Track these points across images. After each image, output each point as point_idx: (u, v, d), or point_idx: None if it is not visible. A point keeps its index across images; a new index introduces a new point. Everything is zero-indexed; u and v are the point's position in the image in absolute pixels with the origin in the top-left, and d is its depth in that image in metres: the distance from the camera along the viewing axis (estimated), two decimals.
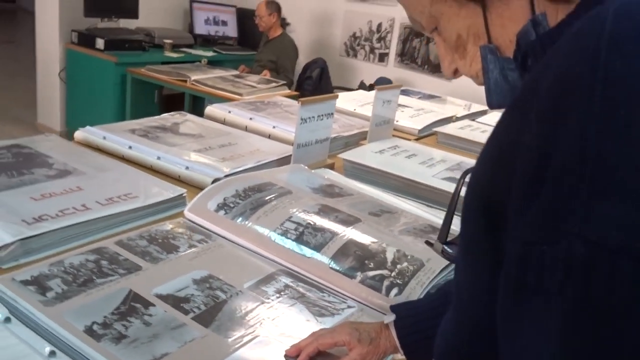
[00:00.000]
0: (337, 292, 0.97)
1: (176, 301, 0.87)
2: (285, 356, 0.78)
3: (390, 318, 0.78)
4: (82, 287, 0.87)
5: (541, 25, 0.49)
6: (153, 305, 0.85)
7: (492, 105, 0.58)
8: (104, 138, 1.61)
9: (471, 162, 1.77)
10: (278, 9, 4.24)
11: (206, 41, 4.82)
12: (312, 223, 1.11)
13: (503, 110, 0.49)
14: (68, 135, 3.70)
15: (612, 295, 0.35)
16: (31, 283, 0.86)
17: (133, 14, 4.19)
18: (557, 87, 0.40)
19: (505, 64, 0.54)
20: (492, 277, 0.44)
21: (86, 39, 3.89)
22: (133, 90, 3.85)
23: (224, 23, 4.95)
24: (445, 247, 0.67)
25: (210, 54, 4.46)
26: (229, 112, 2.07)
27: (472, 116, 2.73)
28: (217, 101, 3.55)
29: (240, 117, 2.04)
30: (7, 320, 0.78)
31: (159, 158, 1.51)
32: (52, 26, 3.99)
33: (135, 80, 3.79)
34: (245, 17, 5.02)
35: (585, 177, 0.37)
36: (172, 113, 1.97)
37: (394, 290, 0.94)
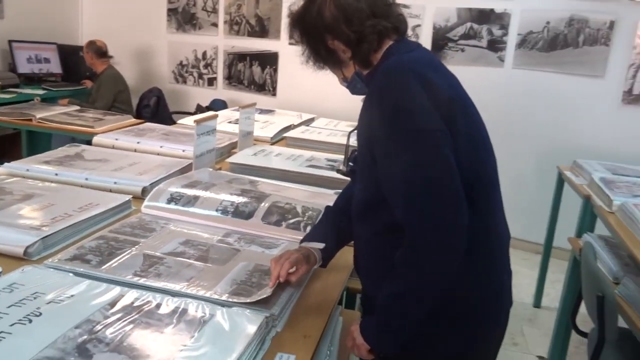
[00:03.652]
0: (272, 236, 1.49)
1: (177, 255, 1.32)
2: (270, 288, 1.19)
3: (320, 245, 1.33)
4: (110, 257, 1.27)
5: (360, 74, 1.20)
6: (164, 258, 1.29)
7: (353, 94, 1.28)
8: (27, 170, 1.89)
9: (319, 155, 2.41)
10: (95, 49, 4.52)
11: (30, 79, 4.83)
12: (240, 200, 1.62)
13: (362, 101, 1.14)
14: None
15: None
16: (74, 259, 1.24)
17: None
18: (377, 93, 1.08)
19: (348, 87, 1.25)
20: (374, 163, 1.08)
21: None
22: None
23: (47, 60, 4.99)
24: (346, 170, 1.28)
25: (40, 92, 4.51)
26: (116, 139, 2.43)
27: (305, 123, 3.41)
28: (65, 136, 3.75)
29: (128, 142, 2.42)
30: (77, 276, 1.16)
31: (86, 179, 1.86)
32: None
33: None
34: (67, 54, 5.12)
35: (382, 118, 1.04)
36: (67, 145, 2.27)
37: (309, 228, 1.50)
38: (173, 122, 4.60)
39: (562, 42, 3.83)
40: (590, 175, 2.59)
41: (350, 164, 1.27)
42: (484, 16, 4.01)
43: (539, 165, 3.99)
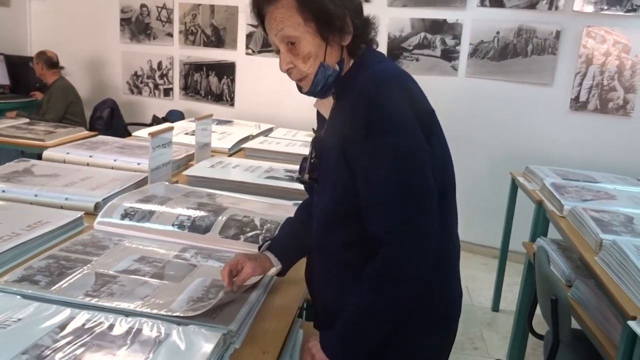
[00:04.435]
0: (229, 250, 1.47)
1: (131, 272, 1.29)
2: (228, 291, 1.20)
3: (266, 244, 1.33)
4: (61, 277, 1.23)
5: (342, 65, 1.15)
6: (118, 276, 1.26)
7: (306, 93, 1.18)
8: None
9: (277, 165, 2.40)
10: (45, 59, 4.40)
11: None
12: (197, 214, 1.59)
13: (340, 107, 1.15)
14: None
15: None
16: (22, 280, 1.19)
17: None
18: (364, 104, 1.05)
19: (330, 75, 1.14)
20: (351, 175, 1.07)
21: None
22: None
23: None
24: (306, 179, 1.24)
25: None
26: (67, 153, 2.36)
27: (264, 133, 3.39)
28: (14, 150, 3.62)
29: (80, 156, 2.35)
30: (25, 298, 1.11)
31: (36, 195, 1.79)
32: None
33: None
34: (15, 64, 4.96)
35: (370, 132, 1.02)
36: (16, 161, 2.18)
37: (267, 242, 1.48)
38: (129, 134, 4.50)
39: (511, 51, 3.94)
40: (542, 181, 2.67)
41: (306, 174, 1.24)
42: (437, 26, 4.09)
43: (493, 171, 4.08)
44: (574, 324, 1.79)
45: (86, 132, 3.71)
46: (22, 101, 4.72)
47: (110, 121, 4.66)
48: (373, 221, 1.08)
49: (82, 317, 1.05)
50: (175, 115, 4.61)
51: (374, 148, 1.05)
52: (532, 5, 3.84)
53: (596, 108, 3.82)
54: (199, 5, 4.74)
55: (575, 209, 2.18)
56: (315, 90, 1.16)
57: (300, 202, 1.80)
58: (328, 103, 1.22)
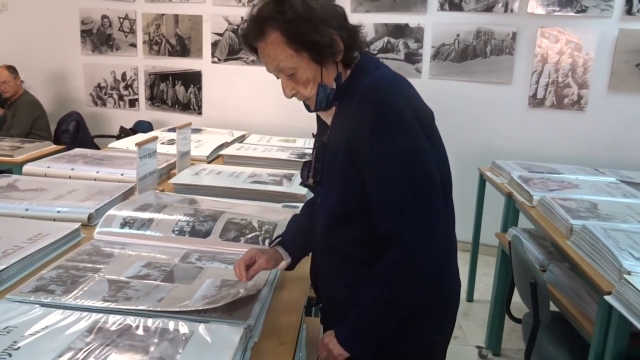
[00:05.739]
0: (232, 252, 1.53)
1: (141, 277, 1.33)
2: (244, 285, 1.26)
3: (277, 242, 1.40)
4: (74, 285, 1.26)
5: (340, 79, 1.21)
6: (130, 282, 1.30)
7: (313, 111, 1.27)
8: None
9: (259, 171, 2.45)
10: (16, 72, 4.34)
11: None
12: (195, 219, 1.64)
13: (342, 114, 1.21)
14: None
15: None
16: (36, 290, 1.22)
17: None
18: (367, 109, 1.13)
19: (330, 93, 1.21)
20: (356, 176, 1.15)
21: None
22: None
23: None
24: (310, 183, 1.31)
25: None
26: (48, 167, 2.35)
27: (237, 140, 3.43)
28: None
29: (61, 169, 2.35)
30: (45, 306, 1.14)
31: (27, 209, 1.80)
32: None
33: None
34: None
35: (375, 135, 1.10)
36: None
37: (267, 241, 1.54)
38: (95, 146, 4.46)
39: (471, 52, 4.11)
40: (509, 174, 2.81)
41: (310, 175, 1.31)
42: (400, 31, 4.23)
43: (459, 168, 4.21)
44: (551, 307, 1.92)
45: (54, 146, 3.67)
46: None
47: (77, 134, 4.60)
48: (383, 218, 1.16)
49: (107, 320, 1.09)
50: (143, 126, 4.59)
51: (380, 150, 1.12)
52: (489, 9, 4.03)
53: (553, 104, 4.03)
54: (163, 15, 4.74)
55: (544, 198, 2.32)
56: (321, 107, 1.24)
57: (289, 204, 1.89)
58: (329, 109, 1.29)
